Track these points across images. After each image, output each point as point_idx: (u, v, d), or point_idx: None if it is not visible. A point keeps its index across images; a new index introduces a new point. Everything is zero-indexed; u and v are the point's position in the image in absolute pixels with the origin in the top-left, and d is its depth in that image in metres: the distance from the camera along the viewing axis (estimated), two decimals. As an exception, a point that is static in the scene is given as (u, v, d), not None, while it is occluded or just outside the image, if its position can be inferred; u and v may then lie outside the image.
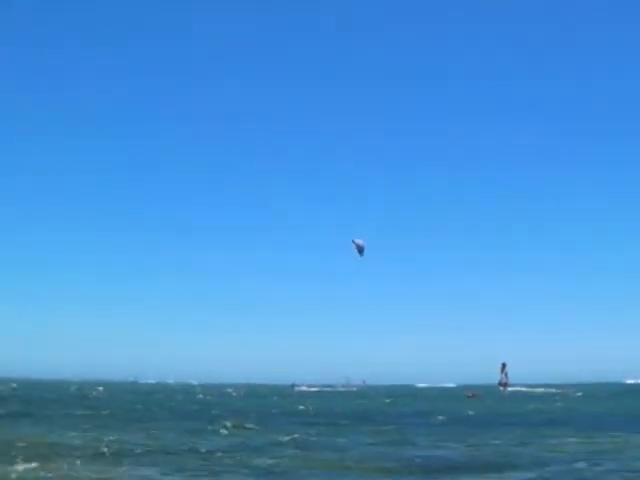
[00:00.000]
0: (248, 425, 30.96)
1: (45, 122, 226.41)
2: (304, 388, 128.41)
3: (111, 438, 24.35)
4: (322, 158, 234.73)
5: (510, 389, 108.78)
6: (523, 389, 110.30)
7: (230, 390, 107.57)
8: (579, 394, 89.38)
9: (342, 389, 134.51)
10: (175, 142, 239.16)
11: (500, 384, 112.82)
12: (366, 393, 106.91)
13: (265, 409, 49.21)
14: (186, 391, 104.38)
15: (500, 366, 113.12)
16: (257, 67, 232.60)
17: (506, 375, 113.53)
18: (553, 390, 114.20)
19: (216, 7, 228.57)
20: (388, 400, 72.52)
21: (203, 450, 21.79)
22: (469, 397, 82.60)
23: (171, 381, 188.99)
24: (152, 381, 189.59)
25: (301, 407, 51.75)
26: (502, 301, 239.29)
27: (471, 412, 46.20)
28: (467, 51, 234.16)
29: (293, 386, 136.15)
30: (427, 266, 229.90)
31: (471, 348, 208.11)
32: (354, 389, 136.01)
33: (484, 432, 29.31)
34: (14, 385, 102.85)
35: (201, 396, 79.19)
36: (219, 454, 20.89)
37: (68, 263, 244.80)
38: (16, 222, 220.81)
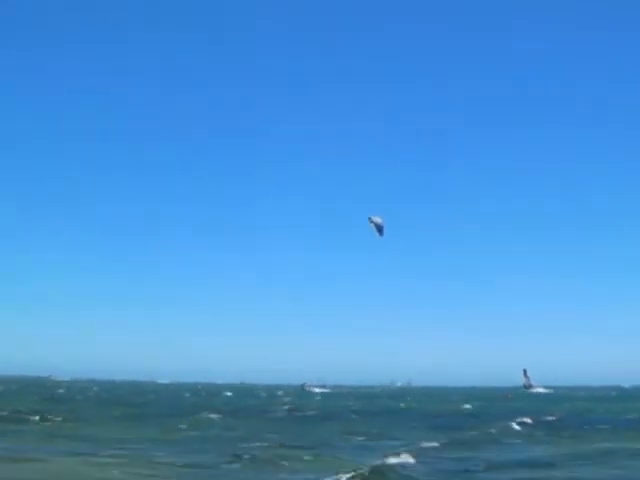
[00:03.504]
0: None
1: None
2: (316, 389, 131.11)
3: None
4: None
5: (533, 390, 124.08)
6: (544, 390, 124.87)
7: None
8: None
9: (345, 390, 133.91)
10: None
11: (525, 386, 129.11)
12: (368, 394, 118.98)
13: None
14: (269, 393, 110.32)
15: (522, 372, 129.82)
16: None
17: (529, 378, 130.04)
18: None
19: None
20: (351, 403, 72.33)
21: None
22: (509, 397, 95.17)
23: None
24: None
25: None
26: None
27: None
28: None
29: (303, 387, 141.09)
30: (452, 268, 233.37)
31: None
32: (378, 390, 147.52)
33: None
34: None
35: (287, 400, 75.66)
36: None
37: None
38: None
